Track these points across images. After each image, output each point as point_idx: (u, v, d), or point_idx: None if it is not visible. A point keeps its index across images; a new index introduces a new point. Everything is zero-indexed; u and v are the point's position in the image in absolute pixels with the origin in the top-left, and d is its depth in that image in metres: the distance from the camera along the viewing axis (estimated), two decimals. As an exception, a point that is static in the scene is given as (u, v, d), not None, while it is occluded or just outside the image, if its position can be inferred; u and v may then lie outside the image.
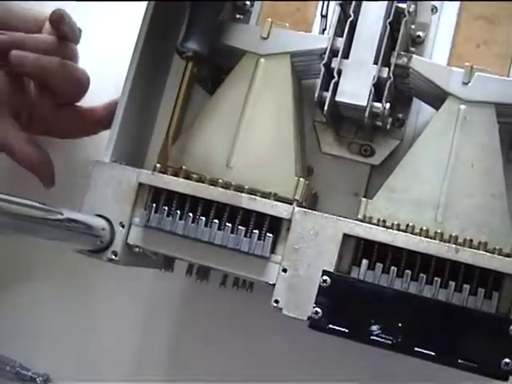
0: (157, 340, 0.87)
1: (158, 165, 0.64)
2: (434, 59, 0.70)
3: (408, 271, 0.59)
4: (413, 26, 0.69)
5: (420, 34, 0.71)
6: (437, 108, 0.65)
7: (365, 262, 0.60)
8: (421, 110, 0.71)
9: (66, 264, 0.87)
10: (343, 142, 0.71)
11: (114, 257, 0.64)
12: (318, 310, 0.59)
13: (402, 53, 0.65)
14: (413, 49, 0.70)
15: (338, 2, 0.65)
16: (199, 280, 0.73)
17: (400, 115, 0.70)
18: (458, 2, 0.71)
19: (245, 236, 0.61)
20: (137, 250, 0.65)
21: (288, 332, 0.77)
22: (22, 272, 0.92)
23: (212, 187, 0.62)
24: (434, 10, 0.72)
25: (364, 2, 0.65)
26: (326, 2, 0.69)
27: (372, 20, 0.64)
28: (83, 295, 0.90)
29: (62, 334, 0.90)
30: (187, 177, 0.64)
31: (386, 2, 0.64)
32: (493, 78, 0.63)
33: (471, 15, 0.71)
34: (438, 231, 0.60)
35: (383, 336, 0.58)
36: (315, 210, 0.61)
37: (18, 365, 0.84)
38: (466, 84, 0.63)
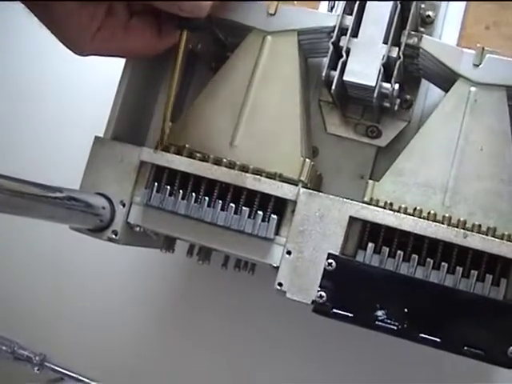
0: (154, 323, 0.87)
1: (161, 140, 0.63)
2: (444, 40, 0.70)
3: (415, 256, 0.58)
4: (423, 6, 0.68)
5: (430, 13, 0.70)
6: (446, 90, 0.64)
7: (371, 245, 0.59)
8: (429, 91, 0.70)
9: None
10: (349, 123, 0.70)
11: (114, 236, 0.63)
12: (323, 293, 0.58)
13: (413, 32, 0.63)
14: (422, 29, 0.69)
15: (348, -20, 0.64)
16: (200, 261, 0.72)
17: (408, 96, 0.69)
18: (469, -18, 0.70)
19: (249, 217, 0.60)
20: (137, 229, 0.64)
21: (289, 316, 0.77)
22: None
23: (216, 166, 0.61)
24: (445, -11, 0.71)
25: (374, -20, 0.64)
26: (335, -20, 0.67)
27: (382, -2, 0.63)
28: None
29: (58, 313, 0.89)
30: (190, 155, 0.62)
31: (397, -19, 0.63)
32: (504, 61, 0.62)
33: (481, -4, 0.70)
34: (446, 215, 0.58)
35: (388, 321, 0.57)
36: (320, 192, 0.60)
37: (15, 344, 0.83)
38: (477, 66, 0.62)
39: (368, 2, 0.63)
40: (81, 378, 0.82)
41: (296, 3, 0.66)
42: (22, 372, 0.83)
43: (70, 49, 0.61)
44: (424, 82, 0.70)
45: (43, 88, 0.98)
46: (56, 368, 0.83)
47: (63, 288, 0.92)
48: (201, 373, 0.84)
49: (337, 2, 0.68)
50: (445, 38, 0.70)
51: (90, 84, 0.92)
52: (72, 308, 0.90)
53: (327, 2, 0.69)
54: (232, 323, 0.84)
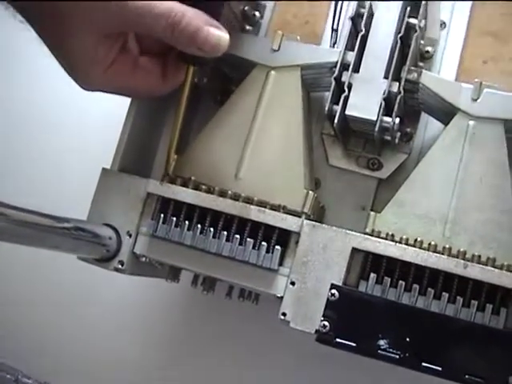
0: (158, 350, 0.87)
1: (167, 172, 0.64)
2: (442, 74, 0.71)
3: (416, 286, 0.59)
4: (422, 42, 0.70)
5: (429, 49, 0.71)
6: (445, 123, 0.65)
7: (373, 275, 0.60)
8: (428, 124, 0.71)
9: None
10: (351, 156, 0.71)
11: (120, 266, 0.64)
12: (326, 323, 0.59)
13: (412, 68, 0.65)
14: (421, 64, 0.71)
15: (350, 16, 0.66)
16: (205, 291, 0.73)
17: (408, 129, 0.70)
18: (467, 18, 0.72)
19: (253, 248, 0.61)
20: (143, 259, 0.65)
21: (292, 345, 0.77)
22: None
23: (221, 198, 0.62)
24: (443, 25, 0.72)
25: (375, 17, 0.65)
26: (336, 16, 0.69)
27: (383, 35, 0.65)
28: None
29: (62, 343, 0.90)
30: (196, 187, 0.64)
31: (398, 17, 0.65)
32: (501, 95, 0.63)
33: (479, 32, 0.72)
34: (447, 246, 0.60)
35: (391, 350, 0.58)
36: (323, 223, 0.62)
37: (19, 373, 0.84)
38: (475, 100, 0.63)
39: (369, 39, 0.65)
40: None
41: (299, 38, 0.68)
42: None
43: (78, 83, 0.63)
44: (424, 116, 0.71)
45: (53, 120, 0.99)
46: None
47: (68, 317, 0.92)
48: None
49: (339, 38, 0.69)
50: (443, 72, 0.71)
51: (97, 116, 0.93)
52: (76, 337, 0.91)
53: (329, 37, 0.70)
54: (236, 352, 0.85)
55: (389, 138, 0.66)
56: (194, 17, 0.60)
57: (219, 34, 0.60)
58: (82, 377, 0.88)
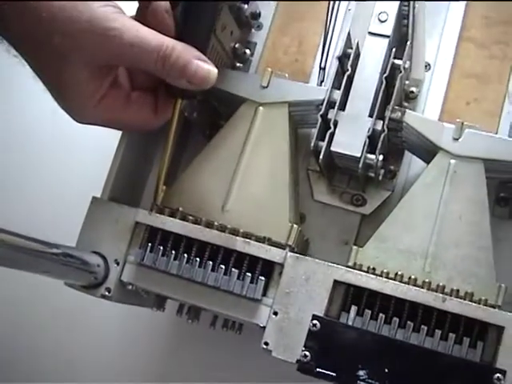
0: (143, 377, 0.88)
1: (156, 203, 0.65)
2: (426, 114, 0.73)
3: (396, 319, 0.60)
4: (407, 82, 0.72)
5: (413, 89, 0.73)
6: (427, 162, 0.67)
7: (354, 308, 0.61)
8: (411, 163, 0.73)
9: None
10: (335, 191, 0.73)
11: (107, 293, 0.65)
12: (307, 353, 0.60)
13: (396, 107, 0.67)
14: (406, 103, 0.73)
15: (337, 55, 0.68)
16: (190, 320, 0.74)
17: (392, 167, 0.72)
18: (451, 60, 0.74)
19: (238, 278, 0.63)
20: (130, 287, 0.66)
21: (275, 375, 0.78)
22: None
23: (207, 229, 0.64)
24: (428, 66, 0.75)
25: (361, 57, 0.67)
26: (324, 55, 0.71)
27: (368, 74, 0.67)
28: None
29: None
30: (183, 218, 0.65)
31: (383, 58, 0.67)
32: (482, 135, 0.65)
33: (462, 73, 0.74)
34: (426, 280, 0.61)
35: (370, 381, 0.59)
36: (306, 256, 0.63)
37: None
38: (457, 139, 0.65)
39: (355, 78, 0.67)
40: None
41: (288, 76, 0.70)
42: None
43: (71, 116, 0.64)
44: (407, 154, 0.73)
45: (47, 148, 1.01)
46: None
47: (50, 343, 0.93)
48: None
49: (326, 76, 0.72)
50: (427, 112, 0.73)
51: (90, 144, 0.95)
52: (57, 364, 0.91)
53: (317, 75, 0.72)
54: (219, 380, 0.85)
55: (373, 174, 0.68)
56: (183, 51, 0.62)
57: (208, 68, 0.62)
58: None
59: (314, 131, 0.67)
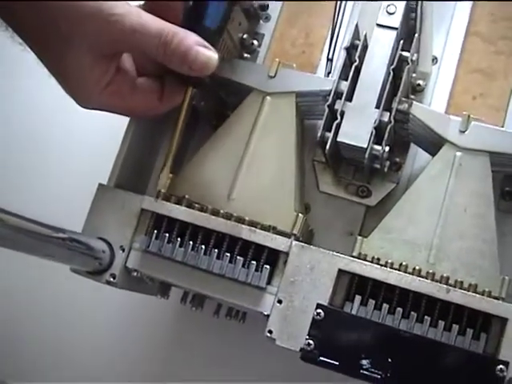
0: (146, 365, 0.88)
1: (162, 190, 0.66)
2: (433, 108, 0.73)
3: (399, 309, 0.60)
4: (414, 75, 0.72)
5: (420, 82, 0.73)
6: (433, 154, 0.67)
7: (358, 297, 0.61)
8: (417, 155, 0.74)
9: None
10: (341, 183, 0.73)
11: (112, 279, 0.65)
12: (311, 342, 0.60)
13: (404, 99, 0.67)
14: (413, 96, 0.73)
15: (345, 46, 0.68)
16: (194, 308, 0.74)
17: (397, 159, 0.72)
18: (458, 55, 0.74)
19: (243, 266, 0.63)
20: (135, 274, 0.66)
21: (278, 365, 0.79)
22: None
23: (213, 217, 0.64)
24: (435, 60, 0.75)
25: (369, 48, 0.68)
26: (332, 46, 0.71)
27: (376, 66, 0.67)
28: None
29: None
30: (189, 205, 0.65)
31: (391, 49, 0.67)
32: (488, 128, 0.66)
33: (469, 68, 0.74)
34: (430, 271, 0.61)
35: (373, 370, 0.59)
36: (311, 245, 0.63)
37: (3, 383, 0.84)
38: (463, 132, 0.66)
39: (362, 69, 0.67)
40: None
41: (295, 66, 0.70)
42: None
43: (76, 101, 0.64)
44: (413, 147, 0.73)
45: (54, 134, 1.01)
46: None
47: (56, 330, 0.93)
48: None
49: (333, 68, 0.72)
50: (434, 106, 0.74)
51: (96, 132, 0.95)
52: (62, 350, 0.92)
53: (325, 67, 0.72)
54: (222, 369, 0.86)
55: (378, 166, 0.68)
56: (184, 37, 0.62)
57: (209, 54, 0.63)
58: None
59: (321, 122, 0.67)
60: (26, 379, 0.90)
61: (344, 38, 0.74)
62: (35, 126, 1.03)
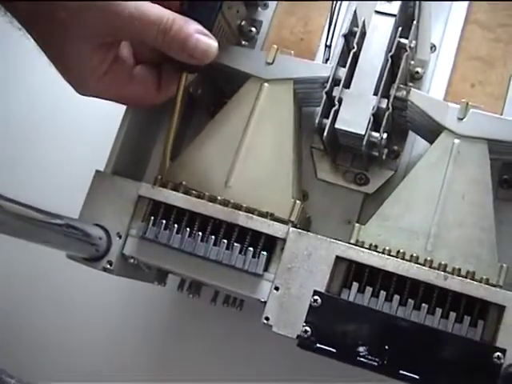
0: (144, 353, 0.88)
1: (159, 177, 0.65)
2: (431, 95, 0.73)
3: (397, 296, 0.60)
4: (412, 62, 0.72)
5: (419, 70, 0.73)
6: (431, 142, 0.67)
7: (355, 284, 0.61)
8: (415, 143, 0.73)
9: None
10: (339, 170, 0.73)
11: (108, 266, 0.65)
12: (308, 329, 0.60)
13: (402, 86, 0.67)
14: (411, 84, 0.73)
15: (343, 33, 0.68)
16: (191, 295, 0.74)
17: (395, 147, 0.72)
18: (456, 43, 0.74)
19: (240, 253, 0.63)
20: (132, 261, 0.66)
21: (275, 351, 0.79)
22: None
23: (210, 203, 0.64)
24: (433, 48, 0.75)
25: (367, 35, 0.67)
26: (330, 33, 0.71)
27: (374, 53, 0.67)
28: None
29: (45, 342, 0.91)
30: (186, 192, 0.65)
31: (389, 36, 0.67)
32: (487, 116, 0.65)
33: (468, 56, 0.74)
34: (428, 259, 0.61)
35: (370, 357, 0.59)
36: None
37: (3, 372, 0.84)
38: (461, 119, 0.65)
39: (360, 56, 0.67)
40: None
41: (293, 53, 0.70)
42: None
43: (74, 88, 0.64)
44: (411, 135, 0.73)
45: (52, 120, 1.01)
46: (42, 397, 0.85)
47: (51, 318, 0.93)
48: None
49: (331, 55, 0.71)
50: (432, 93, 0.73)
51: (93, 118, 0.95)
52: (60, 337, 0.92)
53: (322, 53, 0.72)
54: (219, 357, 0.86)
55: (376, 153, 0.68)
56: (184, 24, 0.62)
57: (208, 42, 0.63)
58: (67, 376, 0.89)
59: (319, 109, 0.67)
60: (24, 368, 0.89)
61: (342, 25, 0.73)
62: (33, 112, 1.02)
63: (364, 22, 0.68)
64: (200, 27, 0.63)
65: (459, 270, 0.61)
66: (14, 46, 0.99)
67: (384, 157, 0.69)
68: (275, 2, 0.79)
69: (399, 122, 0.70)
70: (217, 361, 0.86)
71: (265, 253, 0.62)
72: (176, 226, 0.64)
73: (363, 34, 0.68)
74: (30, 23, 0.61)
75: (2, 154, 1.00)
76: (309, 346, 0.60)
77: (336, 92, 0.66)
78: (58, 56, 0.62)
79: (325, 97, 0.67)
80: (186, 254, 0.64)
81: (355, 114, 0.65)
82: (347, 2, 0.76)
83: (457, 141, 0.65)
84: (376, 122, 0.66)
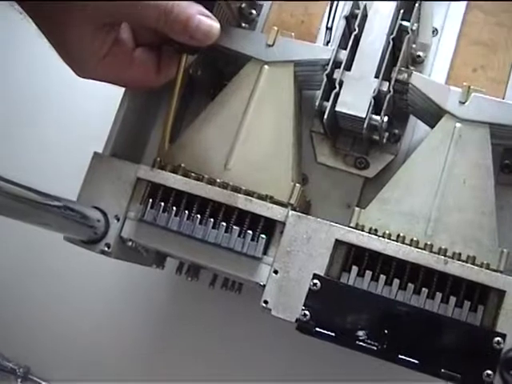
0: (142, 336, 0.88)
1: (158, 159, 0.65)
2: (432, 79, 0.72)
3: (396, 280, 0.60)
4: (414, 46, 0.71)
5: (420, 54, 0.73)
6: (432, 126, 0.67)
7: (355, 268, 0.61)
8: (416, 128, 0.73)
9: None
10: (339, 154, 0.72)
11: (106, 249, 0.65)
12: (307, 312, 0.60)
13: (403, 69, 0.66)
14: (412, 68, 0.72)
15: (344, 15, 0.67)
16: (189, 278, 0.74)
17: (396, 131, 0.71)
18: (458, 27, 0.74)
19: (238, 236, 0.62)
20: (130, 243, 0.65)
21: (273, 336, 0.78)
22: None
23: (209, 186, 0.63)
24: (435, 32, 0.74)
25: (369, 17, 0.67)
26: (332, 15, 0.70)
27: (376, 35, 0.66)
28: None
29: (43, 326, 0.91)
30: (185, 174, 0.64)
31: (391, 19, 0.66)
32: (489, 100, 0.65)
33: (470, 40, 0.73)
34: (428, 243, 0.61)
35: (369, 342, 0.58)
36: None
37: (0, 356, 0.84)
38: (463, 103, 0.65)
39: (362, 38, 0.66)
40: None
41: (293, 35, 0.69)
42: (5, 384, 0.84)
43: (74, 71, 0.64)
44: (412, 120, 0.72)
45: (51, 102, 1.01)
46: (39, 381, 0.84)
47: (50, 301, 0.93)
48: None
49: (333, 37, 0.71)
50: (433, 77, 0.73)
51: (92, 100, 0.94)
52: (58, 321, 0.91)
53: (323, 36, 0.71)
54: (217, 340, 0.86)
55: (377, 137, 0.68)
56: (185, 6, 0.61)
57: (210, 23, 0.62)
58: (63, 361, 0.89)
59: (319, 92, 0.67)
60: (21, 352, 0.89)
61: (344, 6, 0.73)
62: (33, 93, 1.02)
63: (365, 4, 0.67)
64: (202, 8, 0.62)
65: (459, 254, 0.60)
66: (13, 29, 0.98)
67: (384, 141, 0.68)
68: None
69: (400, 105, 0.69)
70: (216, 344, 0.86)
71: (264, 236, 0.62)
72: (174, 208, 0.63)
73: (365, 17, 0.67)
74: (31, 6, 0.60)
75: (0, 136, 1.00)
76: (308, 330, 0.60)
77: (337, 74, 0.66)
78: (58, 39, 0.62)
79: (325, 79, 0.66)
80: (184, 237, 0.63)
81: (356, 97, 0.65)
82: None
83: (458, 125, 0.65)
84: (377, 105, 0.65)
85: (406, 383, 0.79)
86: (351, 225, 0.63)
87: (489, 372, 0.56)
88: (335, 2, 0.71)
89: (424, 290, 0.59)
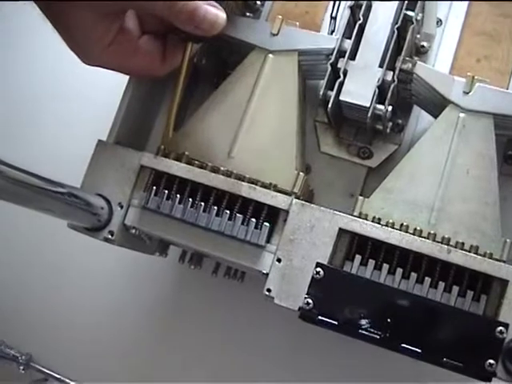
0: (144, 324, 0.88)
1: (162, 147, 0.65)
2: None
3: (400, 269, 0.60)
4: (418, 36, 0.71)
5: (424, 44, 0.73)
6: (436, 116, 0.67)
7: (358, 257, 0.61)
8: (419, 118, 0.73)
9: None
10: (342, 143, 0.72)
11: (110, 236, 0.65)
12: (310, 301, 0.60)
13: (407, 58, 0.66)
14: (416, 58, 0.72)
15: (349, 4, 0.67)
16: (192, 266, 0.74)
17: (400, 121, 0.71)
18: (463, 17, 0.73)
19: (242, 224, 0.62)
20: (133, 231, 0.66)
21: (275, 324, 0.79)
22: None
23: (213, 174, 0.63)
24: (439, 22, 0.74)
25: (374, 7, 0.67)
26: (336, 4, 0.70)
27: (380, 24, 0.66)
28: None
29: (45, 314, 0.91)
30: (189, 162, 0.64)
31: (395, 8, 0.66)
32: (493, 90, 0.65)
33: (474, 31, 0.73)
34: (431, 232, 0.61)
35: (371, 330, 0.59)
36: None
37: (2, 343, 0.84)
38: (467, 93, 0.65)
39: (366, 28, 0.66)
40: (65, 379, 0.84)
41: (298, 24, 0.69)
42: (7, 371, 0.84)
43: (79, 57, 0.64)
44: (415, 110, 0.72)
45: (52, 91, 1.01)
46: (41, 368, 0.85)
47: (52, 289, 0.93)
48: (187, 377, 0.85)
49: (337, 26, 0.71)
50: (437, 67, 0.73)
51: (96, 88, 0.94)
52: (60, 309, 0.92)
53: (328, 25, 0.71)
54: (220, 328, 0.86)
55: (380, 127, 0.68)
56: None
57: (216, 13, 0.62)
58: (66, 349, 0.89)
59: (323, 81, 0.67)
60: (23, 339, 0.90)
61: (348, -2, 0.73)
62: (37, 80, 1.02)
63: (370, -7, 0.67)
64: None
65: (463, 244, 0.60)
66: (13, 29, 0.98)
67: (388, 130, 0.68)
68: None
69: (404, 95, 0.69)
70: (219, 332, 0.86)
71: (267, 224, 0.62)
72: (178, 196, 0.64)
73: (369, 6, 0.67)
74: None
75: (5, 125, 0.99)
76: (310, 318, 0.60)
77: (341, 64, 0.66)
78: (63, 25, 0.62)
79: (330, 68, 0.66)
80: (187, 225, 0.63)
81: (360, 86, 0.65)
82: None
83: (462, 115, 0.65)
84: (381, 94, 0.65)
85: (405, 383, 0.79)
86: (355, 213, 0.63)
87: (491, 361, 0.57)
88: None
89: (427, 279, 0.59)
